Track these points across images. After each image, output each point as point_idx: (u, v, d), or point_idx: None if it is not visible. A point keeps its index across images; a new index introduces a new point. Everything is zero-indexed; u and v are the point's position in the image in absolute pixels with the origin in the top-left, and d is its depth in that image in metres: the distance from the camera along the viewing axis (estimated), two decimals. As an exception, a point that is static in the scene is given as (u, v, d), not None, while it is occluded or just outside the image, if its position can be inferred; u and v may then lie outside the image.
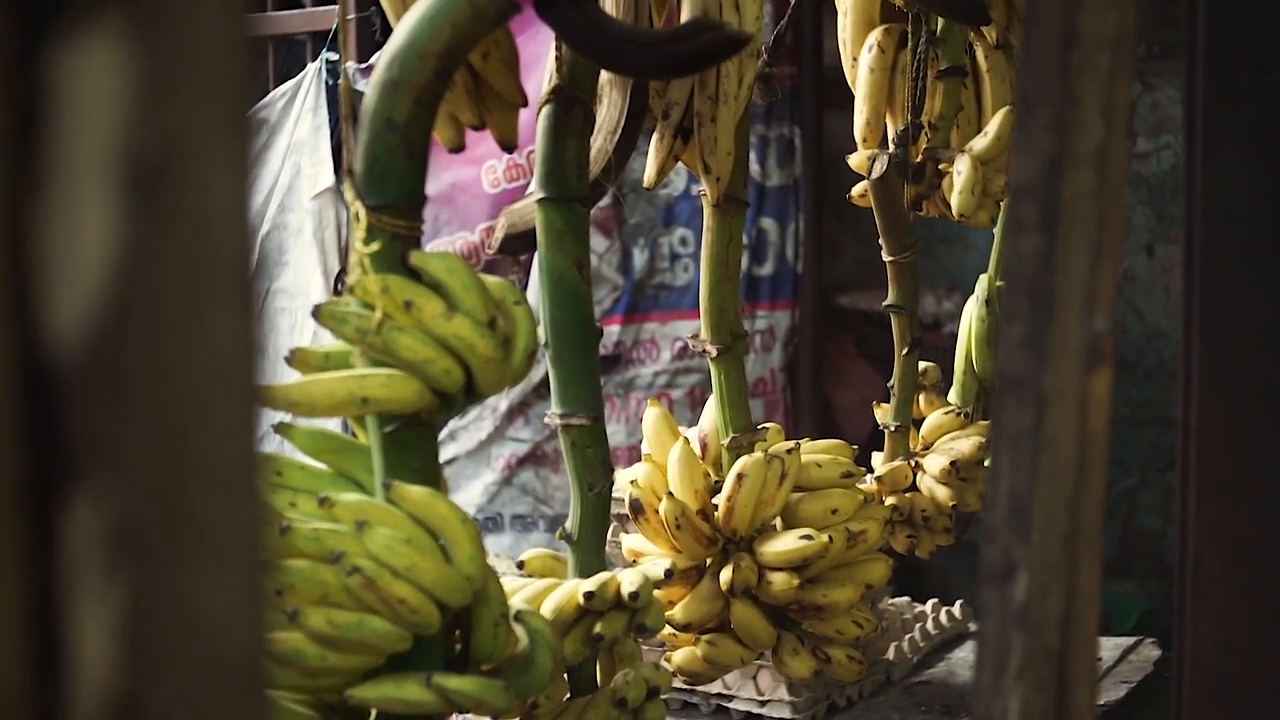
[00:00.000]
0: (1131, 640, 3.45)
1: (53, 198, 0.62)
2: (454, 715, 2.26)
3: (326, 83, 5.45)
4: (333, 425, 2.06)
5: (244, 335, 0.65)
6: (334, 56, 5.41)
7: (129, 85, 0.61)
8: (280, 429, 1.89)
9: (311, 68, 5.50)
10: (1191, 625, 1.63)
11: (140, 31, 0.61)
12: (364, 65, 5.15)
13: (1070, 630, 1.23)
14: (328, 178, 5.36)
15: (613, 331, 5.62)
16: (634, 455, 5.25)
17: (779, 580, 2.69)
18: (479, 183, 5.44)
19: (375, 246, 1.78)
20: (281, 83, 5.63)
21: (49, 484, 0.63)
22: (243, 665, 0.66)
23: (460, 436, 5.56)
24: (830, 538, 2.71)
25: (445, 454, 5.51)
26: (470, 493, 5.56)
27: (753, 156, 5.59)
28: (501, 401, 5.48)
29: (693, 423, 2.93)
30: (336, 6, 5.39)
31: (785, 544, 2.69)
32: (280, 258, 5.52)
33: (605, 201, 5.49)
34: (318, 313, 1.78)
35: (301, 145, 5.45)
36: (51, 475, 0.63)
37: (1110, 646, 3.39)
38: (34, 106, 0.61)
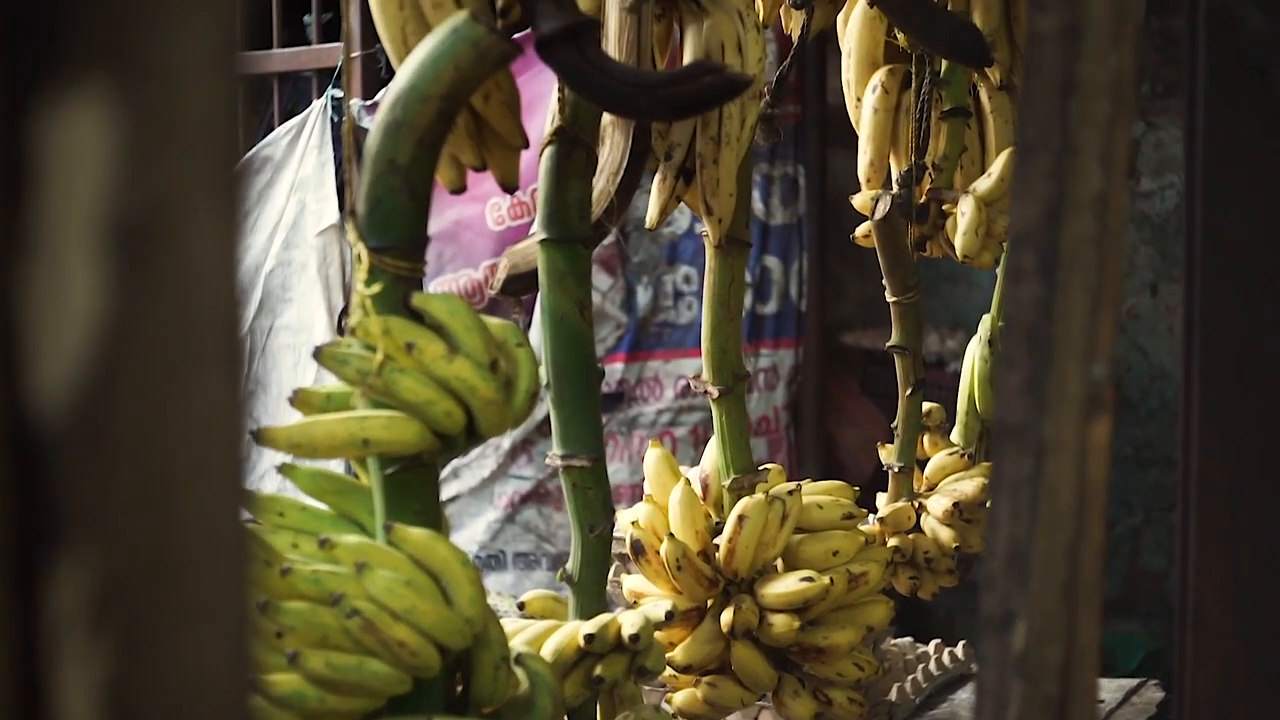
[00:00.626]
0: (1134, 682, 3.44)
1: (39, 260, 0.62)
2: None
3: (332, 120, 5.46)
4: (335, 466, 2.06)
5: (230, 397, 0.64)
6: (339, 94, 5.42)
7: (115, 148, 0.61)
8: (283, 470, 1.89)
9: (317, 105, 5.51)
10: (1192, 670, 1.63)
11: (127, 94, 0.61)
12: (369, 102, 5.16)
13: (1069, 679, 1.23)
14: (332, 214, 5.36)
15: (616, 369, 5.62)
16: (637, 493, 5.25)
17: (780, 622, 2.69)
18: (483, 220, 5.45)
19: (377, 288, 1.78)
20: (287, 119, 5.64)
21: (34, 545, 0.63)
22: (223, 728, 0.66)
23: (463, 474, 5.55)
24: (831, 580, 2.71)
25: (448, 491, 5.51)
26: (473, 530, 5.56)
27: (756, 195, 5.60)
28: (504, 439, 5.47)
29: (696, 461, 2.93)
30: (342, 44, 5.41)
31: (786, 586, 2.69)
32: (284, 294, 5.52)
33: (609, 239, 5.50)
34: (319, 354, 1.79)
35: (306, 182, 5.45)
36: (36, 537, 0.63)
37: (1113, 688, 3.38)
38: (21, 169, 0.61)
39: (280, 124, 5.67)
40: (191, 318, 0.63)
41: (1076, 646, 1.23)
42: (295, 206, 5.50)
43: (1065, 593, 1.21)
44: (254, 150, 5.60)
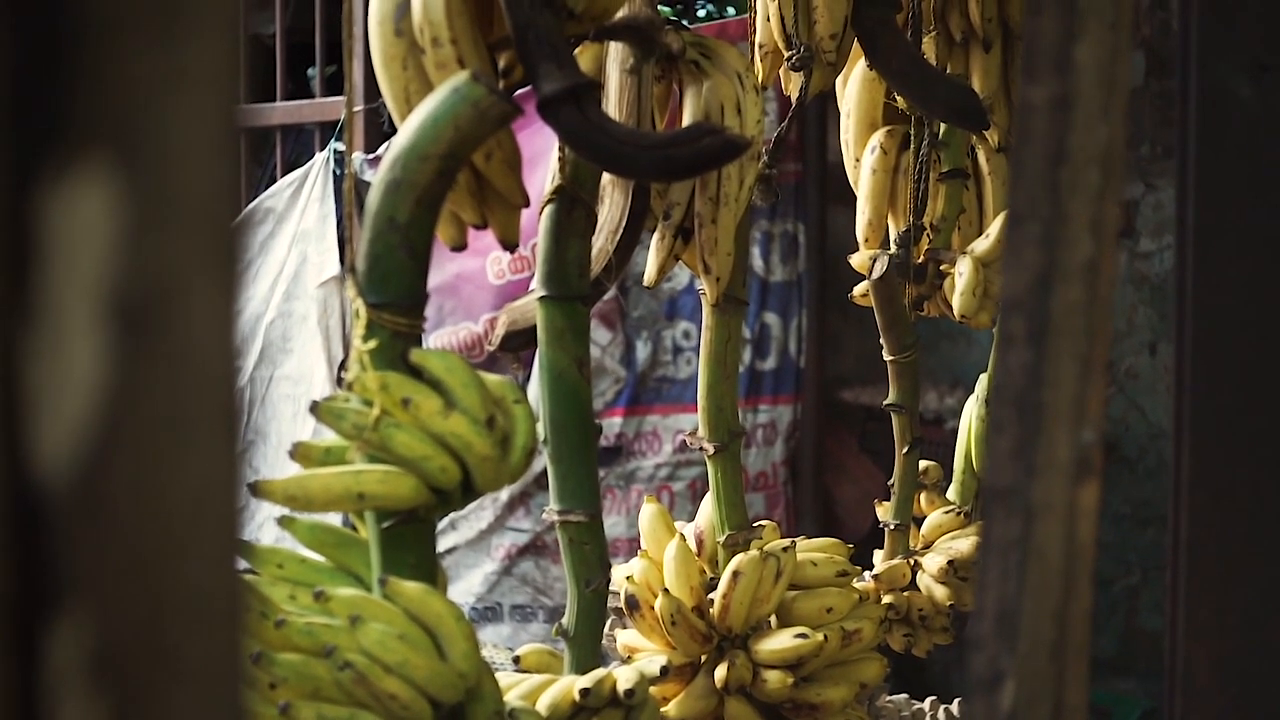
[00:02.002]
0: (1128, 742, 3.44)
1: (43, 332, 0.63)
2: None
3: (334, 172, 5.48)
4: (335, 519, 2.07)
5: (225, 467, 0.66)
6: (342, 147, 5.45)
7: (118, 226, 0.63)
8: (282, 522, 1.90)
9: (319, 157, 5.54)
10: (1181, 735, 1.63)
11: (129, 173, 0.63)
12: (372, 156, 5.19)
13: (1057, 740, 1.23)
14: (333, 266, 5.39)
15: (614, 423, 5.63)
16: (634, 547, 5.23)
17: (774, 678, 2.69)
18: (484, 274, 5.47)
19: (374, 344, 1.79)
20: (289, 171, 5.67)
21: (34, 607, 0.64)
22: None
23: (460, 526, 5.56)
24: (825, 636, 2.71)
25: (445, 543, 5.51)
26: (469, 582, 5.56)
27: (756, 252, 5.62)
28: (502, 492, 5.49)
29: (694, 516, 2.93)
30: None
31: (780, 642, 2.69)
32: (285, 344, 5.54)
33: (609, 294, 5.51)
34: (315, 409, 1.80)
35: (308, 234, 5.48)
36: (37, 598, 0.64)
37: (1108, 748, 3.38)
38: (26, 244, 0.63)
39: (283, 176, 5.69)
40: (189, 390, 0.65)
41: (1064, 707, 1.23)
42: (297, 258, 5.53)
43: (1054, 654, 1.23)
44: (256, 202, 5.63)
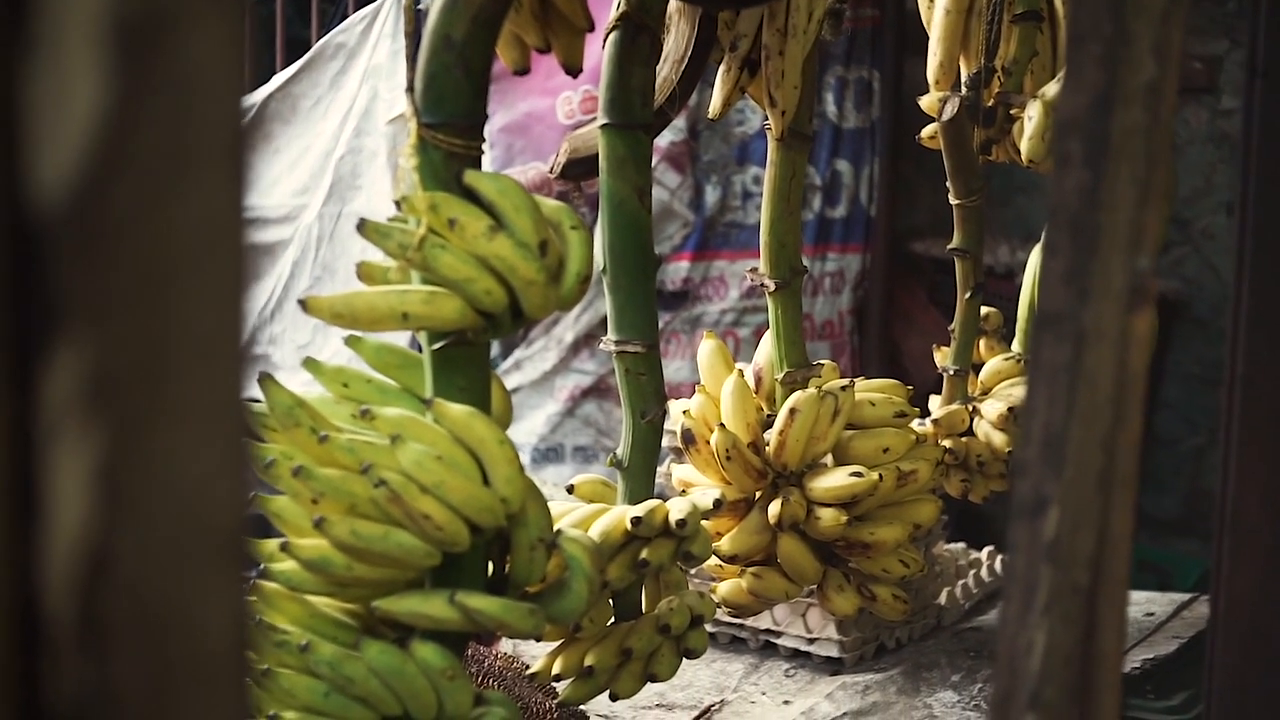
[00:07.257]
0: (1186, 596, 3.44)
1: (42, 57, 0.63)
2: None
3: (406, 8, 5.44)
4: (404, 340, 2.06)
5: (231, 203, 0.65)
6: (415, -18, 5.41)
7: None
8: (349, 342, 1.90)
9: (392, -8, 5.50)
10: (1228, 575, 1.62)
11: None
12: (443, -9, 5.14)
13: (1100, 568, 1.22)
14: (404, 103, 5.35)
15: (682, 267, 5.62)
16: (698, 392, 5.26)
17: (827, 516, 2.68)
18: (554, 113, 5.45)
19: (415, 161, 1.77)
20: (361, 7, 5.63)
21: (32, 333, 0.64)
22: (216, 526, 0.67)
23: (525, 366, 5.58)
24: (880, 476, 2.70)
25: (509, 383, 5.54)
26: (533, 423, 5.58)
27: (830, 98, 5.57)
28: (567, 333, 5.50)
29: (760, 361, 2.92)
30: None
31: (835, 480, 2.69)
32: (354, 181, 5.53)
33: (679, 137, 5.48)
34: (362, 226, 1.79)
35: (379, 70, 5.45)
36: (34, 326, 0.64)
37: (1165, 602, 3.38)
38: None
39: (355, 11, 5.66)
40: (192, 120, 0.64)
41: (1109, 536, 1.22)
42: (367, 94, 5.50)
43: (1101, 482, 1.21)
44: (327, 38, 5.60)
